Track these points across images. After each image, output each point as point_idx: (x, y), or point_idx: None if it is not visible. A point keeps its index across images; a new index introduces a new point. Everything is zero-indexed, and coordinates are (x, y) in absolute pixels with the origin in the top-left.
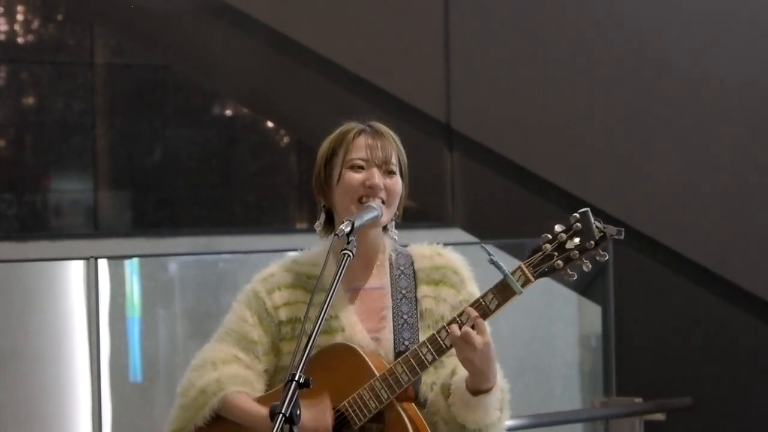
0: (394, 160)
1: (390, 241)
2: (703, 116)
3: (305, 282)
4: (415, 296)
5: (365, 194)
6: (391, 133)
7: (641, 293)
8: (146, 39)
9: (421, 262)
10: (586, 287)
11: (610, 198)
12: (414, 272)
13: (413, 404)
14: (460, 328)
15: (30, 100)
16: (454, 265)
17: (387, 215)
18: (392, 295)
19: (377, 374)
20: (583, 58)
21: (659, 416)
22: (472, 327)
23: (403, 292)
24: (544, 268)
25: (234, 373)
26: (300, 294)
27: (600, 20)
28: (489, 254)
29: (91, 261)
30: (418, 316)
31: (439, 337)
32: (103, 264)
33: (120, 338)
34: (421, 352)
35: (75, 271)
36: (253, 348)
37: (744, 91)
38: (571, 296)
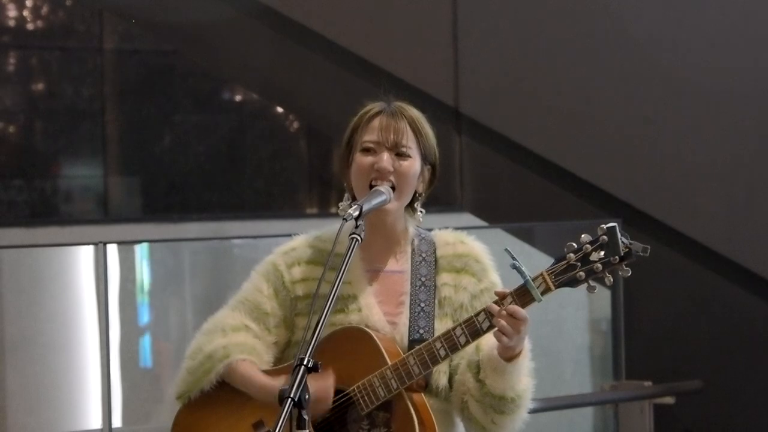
0: (408, 143)
1: (414, 225)
2: (713, 100)
3: (326, 259)
4: (435, 284)
5: (374, 177)
6: (414, 114)
7: (650, 277)
8: (155, 24)
9: (444, 250)
10: None
11: (618, 181)
12: (435, 259)
13: (422, 394)
14: (491, 317)
15: (39, 86)
16: (477, 253)
17: (399, 199)
18: (412, 282)
19: (389, 363)
20: (593, 42)
21: (668, 399)
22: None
23: (423, 279)
24: (565, 278)
25: (242, 341)
26: (319, 271)
27: (611, 4)
28: (513, 258)
29: (100, 246)
30: (436, 304)
31: (455, 335)
32: (113, 249)
33: (130, 324)
34: (435, 347)
35: (85, 256)
36: (264, 319)
37: (753, 74)
38: None
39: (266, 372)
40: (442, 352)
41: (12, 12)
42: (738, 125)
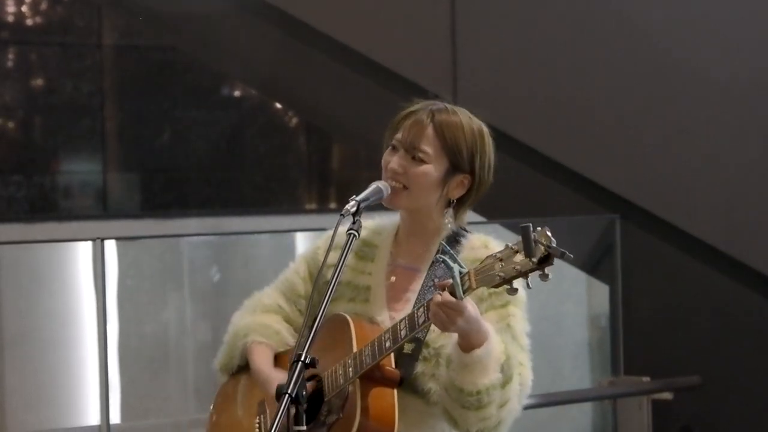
0: (425, 147)
1: (448, 227)
2: (712, 95)
3: (361, 248)
4: None
5: (388, 176)
6: (448, 120)
7: (649, 272)
8: (154, 20)
9: (466, 254)
10: (593, 267)
11: (617, 177)
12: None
13: (392, 390)
14: (427, 311)
15: (38, 82)
16: None
17: (409, 200)
18: (423, 282)
19: (353, 351)
20: (592, 38)
21: (667, 395)
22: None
23: (436, 281)
24: (485, 277)
25: (266, 323)
26: (351, 258)
27: (610, 0)
28: (447, 251)
29: (98, 242)
30: None
31: (398, 327)
32: (112, 245)
33: (128, 320)
34: (383, 338)
35: (83, 252)
36: (297, 301)
37: (753, 68)
38: (580, 275)
39: (280, 354)
40: (388, 344)
41: (11, 8)
42: (737, 121)
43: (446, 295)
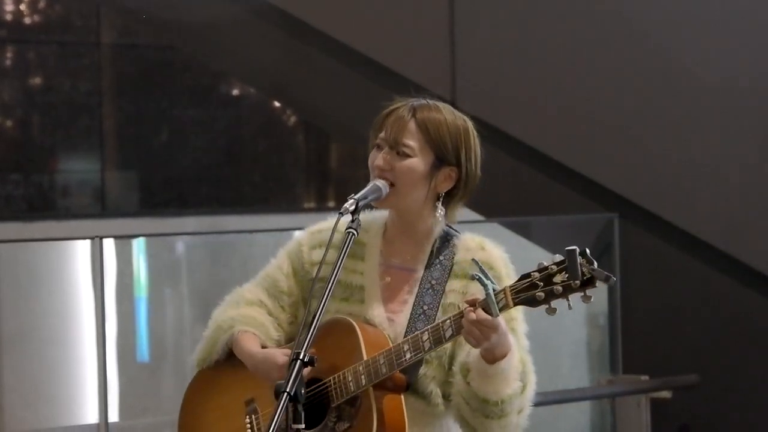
0: (409, 141)
1: (440, 226)
2: (711, 94)
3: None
4: (444, 289)
5: (375, 175)
6: (430, 115)
7: (647, 271)
8: (153, 19)
9: (462, 255)
10: None
11: (616, 176)
12: (452, 264)
13: (400, 395)
14: (455, 326)
15: (37, 81)
16: (493, 261)
17: (396, 197)
18: (421, 283)
19: (364, 359)
20: (592, 36)
21: (665, 394)
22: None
23: (433, 282)
24: (525, 297)
25: (251, 315)
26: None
27: (610, 0)
28: (480, 268)
29: (97, 240)
30: (440, 309)
31: (421, 339)
32: (110, 244)
33: (127, 318)
34: (402, 348)
35: (82, 251)
36: (279, 297)
37: (753, 67)
38: None
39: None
40: (408, 355)
41: (9, 6)
42: (737, 121)
43: (480, 312)
